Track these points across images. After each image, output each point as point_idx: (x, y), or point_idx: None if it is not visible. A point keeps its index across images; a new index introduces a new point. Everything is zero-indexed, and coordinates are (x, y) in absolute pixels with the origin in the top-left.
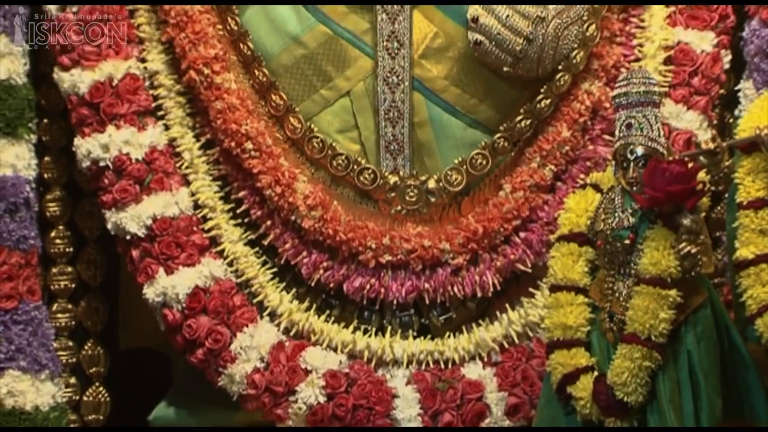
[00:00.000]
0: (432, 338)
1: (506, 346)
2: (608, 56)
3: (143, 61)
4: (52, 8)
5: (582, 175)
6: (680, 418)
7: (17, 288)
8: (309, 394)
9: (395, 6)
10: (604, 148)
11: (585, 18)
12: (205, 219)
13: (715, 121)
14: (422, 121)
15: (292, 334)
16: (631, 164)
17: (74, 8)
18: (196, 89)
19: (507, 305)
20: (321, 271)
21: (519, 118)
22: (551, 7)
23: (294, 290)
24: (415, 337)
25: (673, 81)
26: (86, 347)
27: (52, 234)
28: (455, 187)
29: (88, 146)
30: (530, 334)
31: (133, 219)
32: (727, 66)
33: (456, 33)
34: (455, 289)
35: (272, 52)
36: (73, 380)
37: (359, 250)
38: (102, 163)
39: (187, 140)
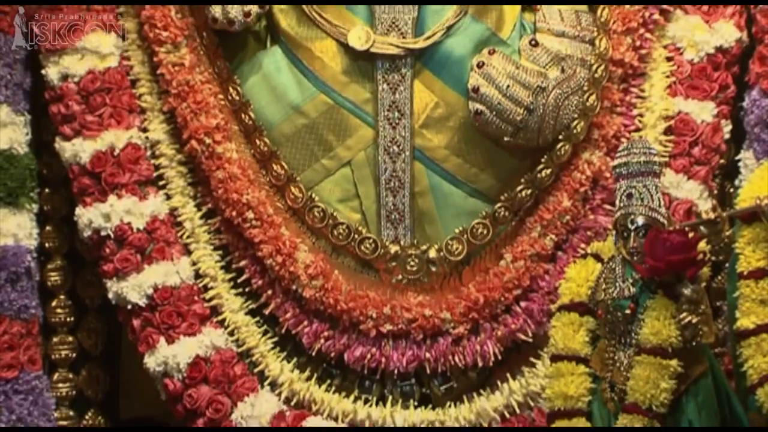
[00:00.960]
0: (433, 408)
1: (507, 415)
2: (609, 126)
3: (145, 130)
4: (53, 78)
5: (583, 245)
6: None
7: (18, 357)
8: None
9: (396, 76)
10: (605, 218)
11: (585, 88)
12: (206, 288)
13: (715, 191)
14: (423, 190)
15: (293, 403)
16: (632, 234)
17: (76, 78)
18: (198, 159)
19: (508, 374)
20: (322, 341)
21: (520, 187)
22: (551, 77)
23: (295, 360)
24: (416, 407)
25: (673, 151)
26: (87, 416)
27: (53, 303)
28: (456, 257)
29: (89, 216)
30: (531, 403)
31: (134, 288)
32: (727, 136)
33: (456, 103)
34: (456, 359)
35: (273, 122)
36: None
37: (360, 319)
38: (103, 233)
39: (189, 210)
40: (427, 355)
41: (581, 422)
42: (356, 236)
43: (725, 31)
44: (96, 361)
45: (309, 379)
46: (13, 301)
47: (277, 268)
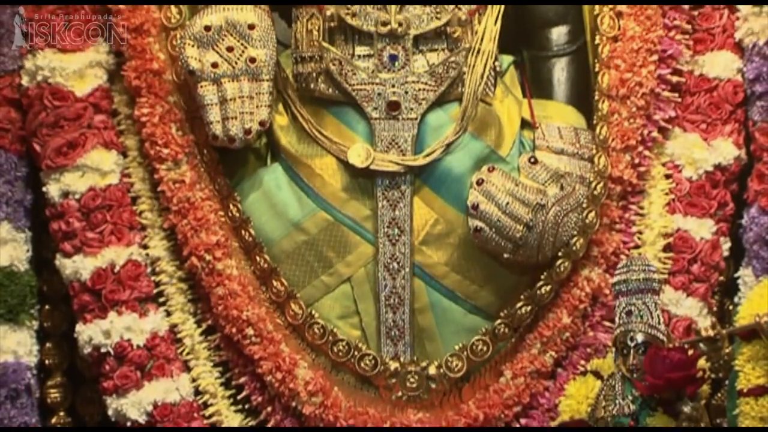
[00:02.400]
0: None
1: None
2: (608, 243)
3: (145, 247)
4: (54, 195)
5: (582, 362)
6: None
7: None
8: None
9: (396, 193)
10: (605, 335)
11: (584, 205)
12: (206, 405)
13: (714, 309)
14: (423, 307)
15: None
16: (632, 351)
17: (77, 195)
18: (198, 275)
19: None
20: None
21: (519, 304)
22: (551, 194)
23: None
24: None
25: (672, 268)
26: None
27: (53, 420)
28: (456, 374)
29: (89, 332)
30: None
31: (133, 405)
32: (726, 253)
33: (456, 220)
34: None
35: (273, 239)
36: None
37: None
38: (103, 350)
39: (189, 326)
40: None
41: None
42: (356, 353)
43: (724, 149)
44: None
45: None
46: (13, 417)
47: (276, 385)
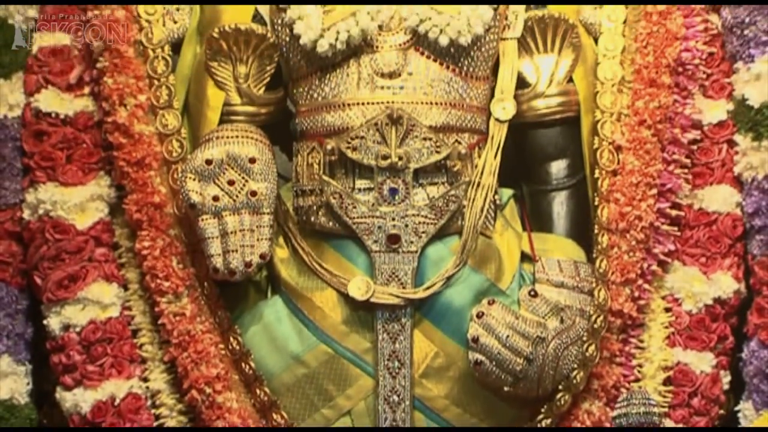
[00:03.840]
0: None
1: None
2: (608, 376)
3: (145, 380)
4: (55, 328)
5: None
6: None
7: None
8: None
9: (396, 326)
10: None
11: (584, 338)
12: None
13: None
14: None
15: None
16: None
17: (77, 328)
18: (198, 408)
19: None
20: None
21: None
22: (551, 327)
23: None
24: None
25: (672, 402)
26: None
27: None
28: None
29: None
30: None
31: None
32: (726, 387)
33: (456, 353)
34: None
35: (274, 372)
36: None
37: None
38: None
39: None
40: None
41: None
42: None
43: (723, 283)
44: None
45: None
46: None
47: None
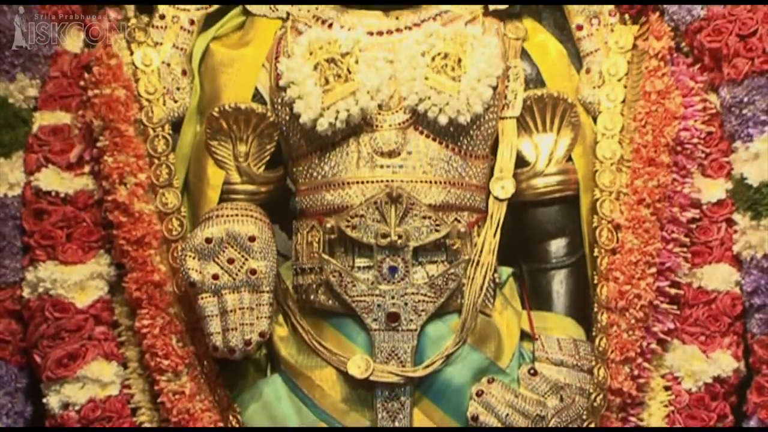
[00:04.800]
0: None
1: None
2: None
3: None
4: (54, 406)
5: None
6: None
7: None
8: None
9: (395, 404)
10: None
11: (584, 417)
12: None
13: None
14: None
15: None
16: None
17: (77, 406)
18: None
19: None
20: None
21: None
22: (550, 405)
23: None
24: None
25: None
26: None
27: None
28: None
29: None
30: None
31: None
32: None
33: None
34: None
35: None
36: None
37: None
38: None
39: None
40: None
41: None
42: None
43: (723, 362)
44: None
45: None
46: None
47: None
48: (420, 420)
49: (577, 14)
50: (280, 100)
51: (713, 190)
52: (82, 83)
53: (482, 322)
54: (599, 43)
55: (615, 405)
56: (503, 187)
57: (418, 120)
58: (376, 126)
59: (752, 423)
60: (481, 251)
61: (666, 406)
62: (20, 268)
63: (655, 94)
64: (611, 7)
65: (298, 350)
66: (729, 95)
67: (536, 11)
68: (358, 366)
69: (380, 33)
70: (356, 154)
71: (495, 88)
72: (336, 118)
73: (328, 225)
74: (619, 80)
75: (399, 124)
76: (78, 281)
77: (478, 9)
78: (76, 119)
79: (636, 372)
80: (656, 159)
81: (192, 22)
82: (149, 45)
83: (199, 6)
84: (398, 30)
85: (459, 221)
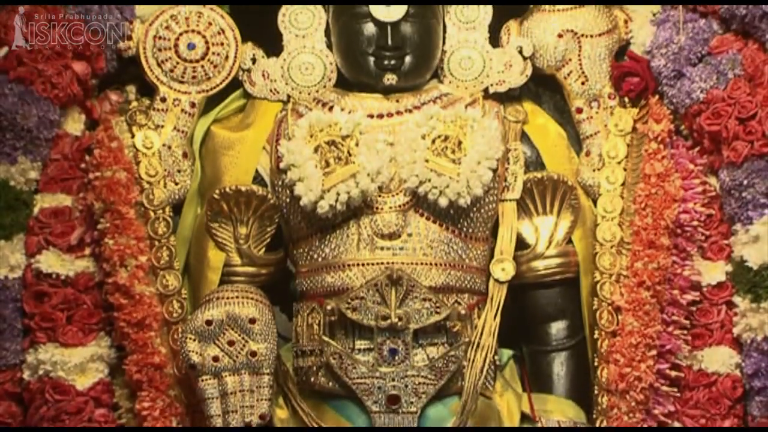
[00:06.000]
0: None
1: None
2: None
3: None
4: None
5: None
6: None
7: None
8: None
9: None
10: None
11: None
12: None
13: None
14: None
15: None
16: None
17: None
18: None
19: None
20: None
21: None
22: None
23: None
24: None
25: None
26: None
27: None
28: None
29: None
30: None
31: None
32: None
33: None
34: None
35: None
36: None
37: None
38: None
39: None
40: None
41: None
42: None
43: None
44: None
45: None
46: None
47: None
48: None
49: (576, 97)
50: (280, 183)
51: (713, 272)
52: (83, 166)
53: (483, 404)
54: (599, 126)
55: None
56: (504, 269)
57: (419, 202)
58: (377, 208)
59: None
60: (482, 333)
61: None
62: (21, 351)
63: (655, 176)
64: (611, 90)
65: None
66: (729, 178)
67: (536, 94)
68: None
69: (381, 115)
70: (357, 236)
71: (495, 171)
72: (336, 201)
73: (329, 307)
74: (619, 163)
75: (399, 206)
76: (78, 363)
77: (478, 92)
78: (77, 201)
79: None
80: (656, 241)
81: (193, 105)
82: (150, 127)
83: (199, 89)
84: (398, 112)
85: (459, 303)
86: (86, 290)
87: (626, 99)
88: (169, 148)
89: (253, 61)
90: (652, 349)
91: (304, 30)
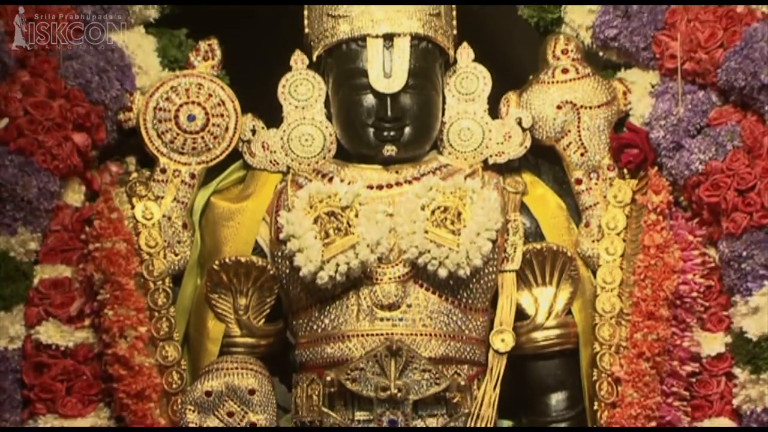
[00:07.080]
0: None
1: None
2: None
3: None
4: None
5: None
6: None
7: None
8: None
9: None
10: None
11: None
12: None
13: None
14: None
15: None
16: None
17: None
18: None
19: None
20: None
21: None
22: None
23: None
24: None
25: None
26: None
27: None
28: None
29: None
30: None
31: None
32: None
33: None
34: None
35: None
36: None
37: None
38: None
39: None
40: None
41: None
42: None
43: None
44: None
45: None
46: None
47: None
48: None
49: (576, 168)
50: (280, 253)
51: (713, 343)
52: (83, 237)
53: None
54: (598, 197)
55: None
56: (503, 340)
57: (418, 273)
58: (376, 279)
59: None
60: (481, 404)
61: None
62: (20, 422)
63: (654, 248)
64: (610, 161)
65: None
66: (728, 249)
67: (535, 165)
68: None
69: (380, 186)
70: (356, 307)
71: (494, 242)
72: (336, 272)
73: (328, 378)
74: (618, 234)
75: (399, 277)
76: None
77: (477, 163)
78: (76, 273)
79: None
80: (656, 313)
81: (193, 176)
82: (150, 198)
83: (199, 160)
84: (398, 183)
85: (459, 374)
86: (86, 361)
87: (625, 170)
88: (169, 219)
89: (253, 132)
90: (651, 420)
91: (304, 101)
